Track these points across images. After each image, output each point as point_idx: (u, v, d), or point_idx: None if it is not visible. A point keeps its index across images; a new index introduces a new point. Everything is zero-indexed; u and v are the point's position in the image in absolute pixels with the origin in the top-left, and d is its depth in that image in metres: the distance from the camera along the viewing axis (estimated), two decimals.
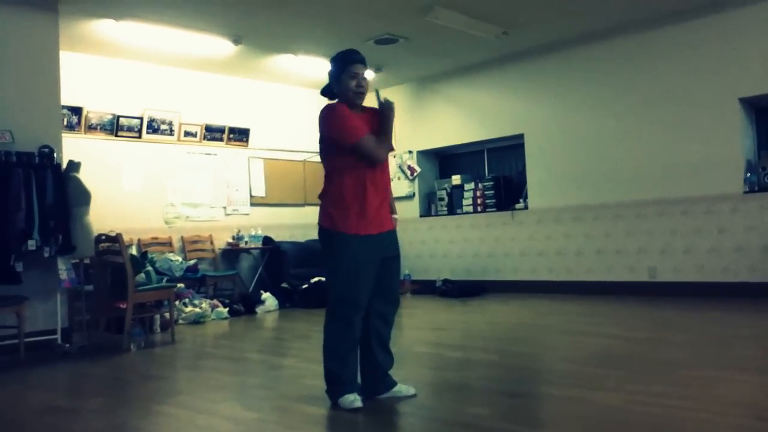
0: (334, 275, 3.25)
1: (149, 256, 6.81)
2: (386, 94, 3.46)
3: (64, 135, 6.09)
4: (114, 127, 7.60)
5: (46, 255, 5.32)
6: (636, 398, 3.11)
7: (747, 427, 2.66)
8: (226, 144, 8.69)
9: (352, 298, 3.17)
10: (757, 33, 6.61)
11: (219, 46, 7.35)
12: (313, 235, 3.60)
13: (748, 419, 2.75)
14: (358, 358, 3.28)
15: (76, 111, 7.26)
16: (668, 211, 7.19)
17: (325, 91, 3.40)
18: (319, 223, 3.30)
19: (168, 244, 7.93)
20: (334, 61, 3.32)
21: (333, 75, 3.31)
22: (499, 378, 3.82)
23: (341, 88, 3.26)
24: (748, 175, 6.73)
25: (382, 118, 3.30)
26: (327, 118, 3.23)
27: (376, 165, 3.26)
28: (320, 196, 3.35)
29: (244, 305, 7.70)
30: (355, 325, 3.20)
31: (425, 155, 9.75)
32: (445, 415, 3.09)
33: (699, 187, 6.96)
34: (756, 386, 3.32)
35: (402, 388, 3.37)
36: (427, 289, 9.02)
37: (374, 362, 3.32)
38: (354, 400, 3.15)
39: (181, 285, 7.16)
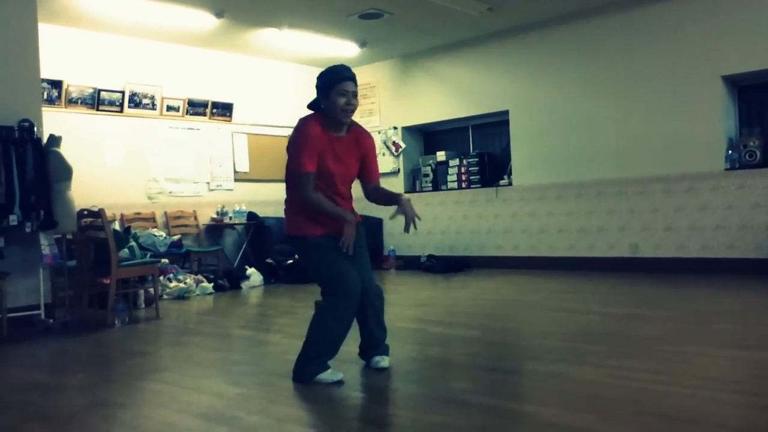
0: (320, 270, 3.28)
1: (132, 231, 6.77)
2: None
3: (44, 109, 6.00)
4: (95, 101, 7.50)
5: (28, 230, 5.28)
6: (616, 373, 3.16)
7: (724, 401, 2.71)
8: (210, 119, 8.61)
9: (347, 281, 3.20)
10: (739, 11, 6.63)
11: (201, 19, 7.24)
12: None
13: (725, 393, 2.81)
14: None
15: (57, 84, 7.16)
16: (650, 188, 7.25)
17: (312, 106, 3.35)
18: (287, 233, 3.36)
19: (151, 219, 7.88)
20: (324, 76, 3.27)
21: (321, 90, 3.26)
22: (481, 353, 3.87)
23: (329, 104, 3.21)
24: (729, 152, 6.79)
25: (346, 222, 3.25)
26: (295, 134, 3.24)
27: (338, 182, 3.29)
28: (285, 202, 3.39)
29: (228, 281, 7.70)
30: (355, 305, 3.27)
31: (410, 131, 9.73)
32: (428, 390, 3.13)
33: (681, 165, 7.02)
34: (733, 361, 3.38)
35: (378, 359, 3.48)
36: (411, 265, 9.06)
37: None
38: (335, 372, 3.23)
39: (165, 260, 7.13)
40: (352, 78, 3.25)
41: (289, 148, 3.29)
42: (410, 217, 3.23)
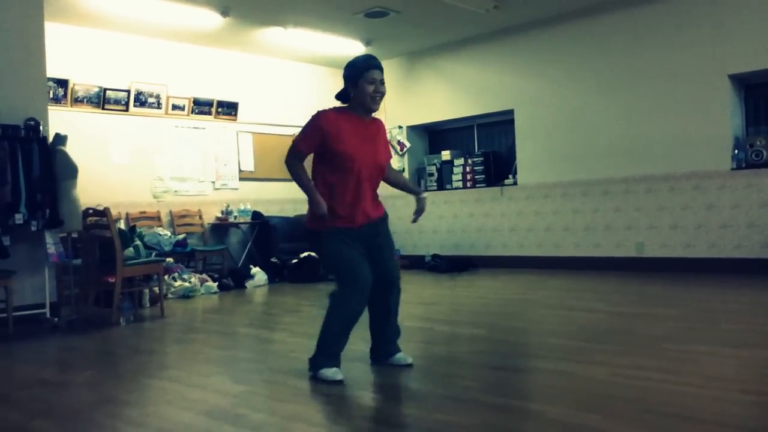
0: (332, 261, 3.32)
1: (138, 230, 6.78)
2: None
3: (50, 108, 6.01)
4: (101, 100, 7.52)
5: (34, 229, 5.29)
6: (622, 372, 3.15)
7: (730, 400, 2.70)
8: (215, 118, 8.62)
9: (357, 273, 3.23)
10: (747, 10, 6.60)
11: (207, 18, 7.25)
12: (303, 209, 3.61)
13: (731, 392, 2.80)
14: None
15: (62, 83, 7.17)
16: (656, 187, 7.23)
17: (340, 96, 3.41)
18: (306, 227, 3.40)
19: (156, 218, 7.89)
20: (351, 66, 3.34)
21: (350, 80, 3.32)
22: (487, 352, 3.86)
23: (358, 92, 3.28)
24: (736, 152, 6.76)
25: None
26: (308, 120, 3.33)
27: (363, 166, 3.30)
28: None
29: (233, 280, 7.70)
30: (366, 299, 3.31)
31: (415, 130, 9.72)
32: (434, 388, 3.12)
33: (687, 163, 7.00)
34: (740, 360, 3.36)
35: (400, 357, 3.49)
36: (416, 264, 9.05)
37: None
38: (338, 372, 3.24)
39: (170, 259, 7.14)
40: (379, 66, 3.33)
41: None
42: (420, 213, 3.56)
